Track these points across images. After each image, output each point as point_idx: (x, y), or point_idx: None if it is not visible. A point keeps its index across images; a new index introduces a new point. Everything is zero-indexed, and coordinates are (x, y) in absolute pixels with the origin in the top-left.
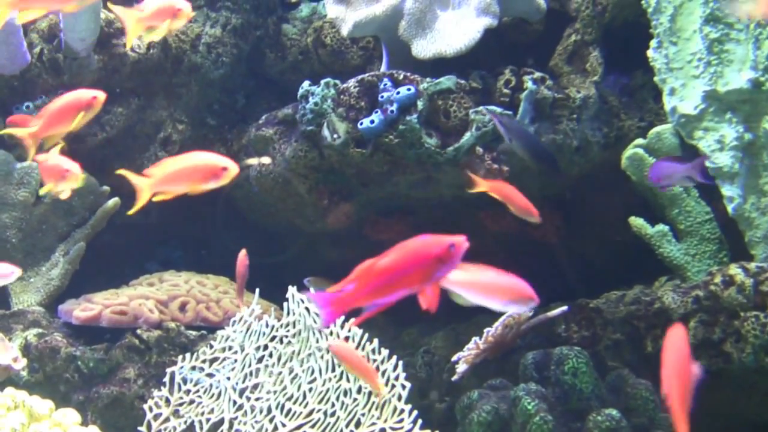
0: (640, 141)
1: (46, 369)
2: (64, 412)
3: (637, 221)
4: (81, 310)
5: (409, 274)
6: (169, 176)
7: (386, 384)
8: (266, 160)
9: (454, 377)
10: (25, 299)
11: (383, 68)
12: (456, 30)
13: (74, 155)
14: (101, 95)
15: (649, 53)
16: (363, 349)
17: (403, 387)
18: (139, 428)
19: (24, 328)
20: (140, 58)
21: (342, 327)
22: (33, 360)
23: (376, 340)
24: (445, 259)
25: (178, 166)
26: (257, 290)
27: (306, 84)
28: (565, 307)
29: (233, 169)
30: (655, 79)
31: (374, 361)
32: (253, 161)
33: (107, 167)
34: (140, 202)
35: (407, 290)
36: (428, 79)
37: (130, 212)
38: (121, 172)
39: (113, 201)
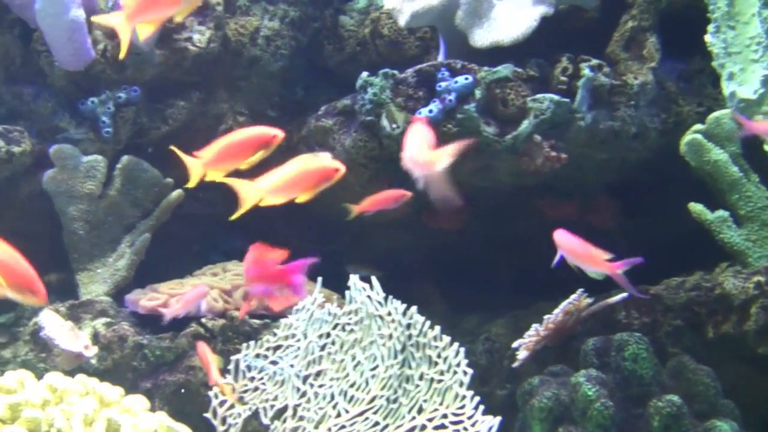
0: (698, 126)
1: (114, 357)
2: (134, 398)
3: (696, 207)
4: (147, 299)
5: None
6: (219, 153)
7: (448, 371)
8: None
9: (515, 364)
10: (93, 289)
11: (440, 58)
12: (512, 19)
13: (138, 149)
14: (281, 134)
15: (707, 38)
16: (425, 336)
17: (465, 373)
18: (205, 414)
19: (92, 317)
20: (200, 52)
21: (404, 314)
22: (102, 348)
23: (437, 327)
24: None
25: (227, 141)
26: (319, 279)
27: (364, 75)
28: (625, 294)
29: (280, 135)
30: (713, 63)
31: (435, 347)
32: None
33: (170, 160)
34: (193, 180)
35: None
36: (485, 68)
37: (188, 185)
38: (173, 149)
39: (177, 193)
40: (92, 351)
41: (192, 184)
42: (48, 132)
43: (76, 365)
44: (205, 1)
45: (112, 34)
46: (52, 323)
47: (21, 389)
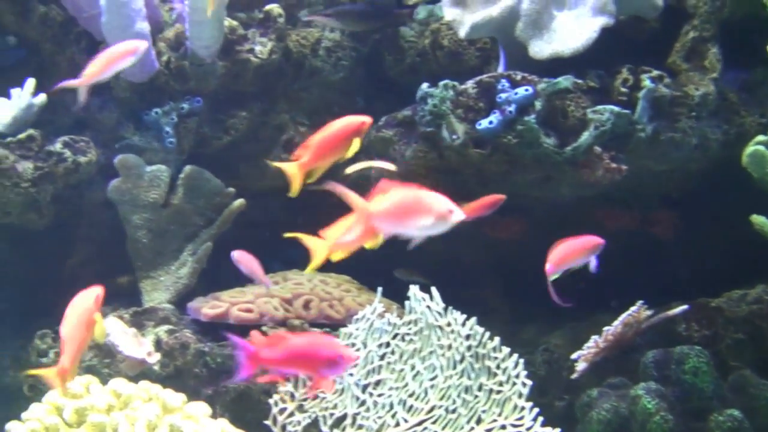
0: (761, 138)
1: (177, 363)
2: (196, 405)
3: (759, 219)
4: (209, 307)
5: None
6: (315, 153)
7: (507, 381)
8: (390, 166)
9: (574, 375)
10: (156, 297)
11: (500, 69)
12: (573, 30)
13: (200, 159)
14: (368, 119)
15: None
16: (484, 346)
17: (524, 384)
18: (265, 422)
19: (155, 324)
20: (262, 64)
21: (463, 325)
22: (164, 355)
23: (497, 338)
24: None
25: (320, 139)
26: (379, 289)
27: (425, 86)
28: (685, 306)
29: (368, 121)
30: None
31: (495, 358)
32: (375, 164)
33: (232, 169)
34: (295, 185)
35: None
36: (546, 80)
37: (290, 194)
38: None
39: (238, 202)
40: (155, 357)
41: (295, 190)
42: (113, 142)
43: (139, 371)
44: (267, 13)
45: (175, 46)
46: (117, 330)
47: (87, 394)
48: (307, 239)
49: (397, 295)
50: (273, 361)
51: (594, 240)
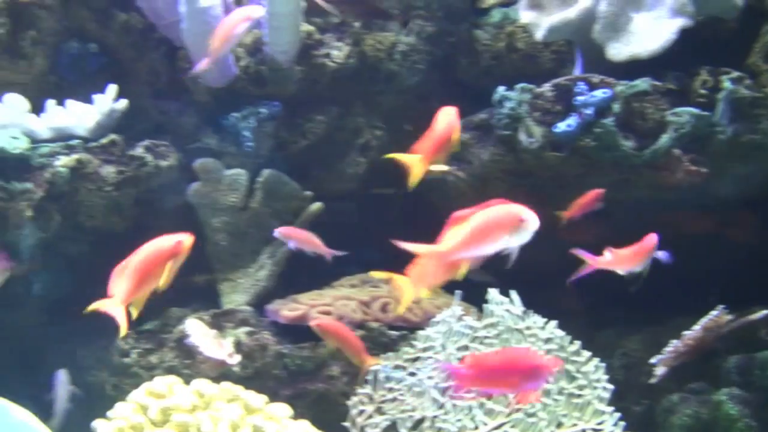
0: None
1: (256, 365)
2: (277, 406)
3: None
4: (288, 309)
5: (506, 379)
6: (435, 144)
7: (588, 386)
8: (445, 168)
9: (653, 380)
10: (234, 299)
11: (577, 71)
12: (650, 31)
13: (277, 162)
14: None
15: None
16: (564, 350)
17: (605, 389)
18: (344, 423)
19: (234, 326)
20: (339, 68)
21: (543, 329)
22: (244, 356)
23: (577, 342)
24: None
25: (436, 132)
26: (458, 292)
27: (501, 89)
28: (767, 311)
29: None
30: None
31: (575, 362)
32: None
33: (309, 173)
34: (416, 176)
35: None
36: (623, 82)
37: (409, 185)
38: (392, 156)
39: (316, 205)
40: (235, 359)
41: (414, 180)
42: (192, 146)
43: (219, 372)
44: (343, 18)
45: (253, 51)
46: (198, 331)
47: (171, 394)
48: (396, 279)
49: (469, 296)
50: (473, 380)
51: (647, 243)
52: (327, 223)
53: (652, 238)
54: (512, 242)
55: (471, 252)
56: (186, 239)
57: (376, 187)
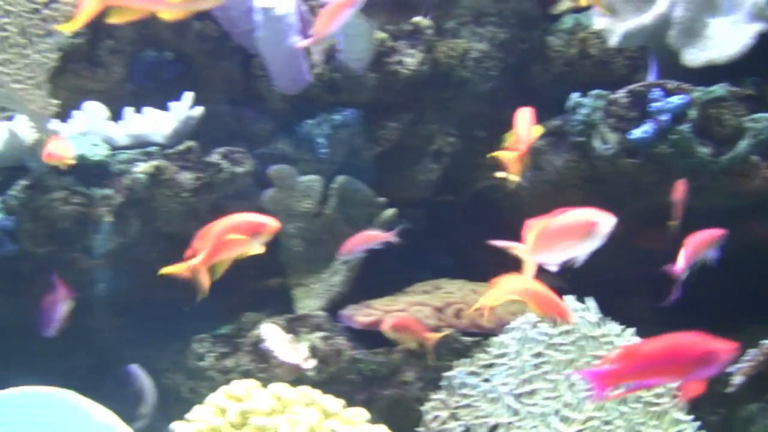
0: None
1: (331, 370)
2: (354, 410)
3: None
4: (363, 315)
5: (672, 367)
6: (528, 144)
7: (665, 394)
8: (514, 177)
9: (730, 389)
10: (308, 304)
11: (651, 77)
12: (727, 37)
13: (352, 169)
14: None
15: None
16: None
17: None
18: (417, 429)
19: (309, 331)
20: (412, 75)
21: (619, 336)
22: (319, 361)
23: None
24: (709, 362)
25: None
26: None
27: (575, 95)
28: None
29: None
30: None
31: None
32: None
33: (382, 180)
34: (514, 176)
35: (668, 379)
36: (700, 88)
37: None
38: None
39: (390, 211)
40: (310, 363)
41: (515, 177)
42: (267, 152)
43: (295, 377)
44: (416, 25)
45: (327, 59)
46: (274, 336)
47: (249, 397)
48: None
49: None
50: (625, 375)
51: (715, 232)
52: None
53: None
54: (588, 245)
55: (553, 255)
56: (273, 222)
57: (440, 195)
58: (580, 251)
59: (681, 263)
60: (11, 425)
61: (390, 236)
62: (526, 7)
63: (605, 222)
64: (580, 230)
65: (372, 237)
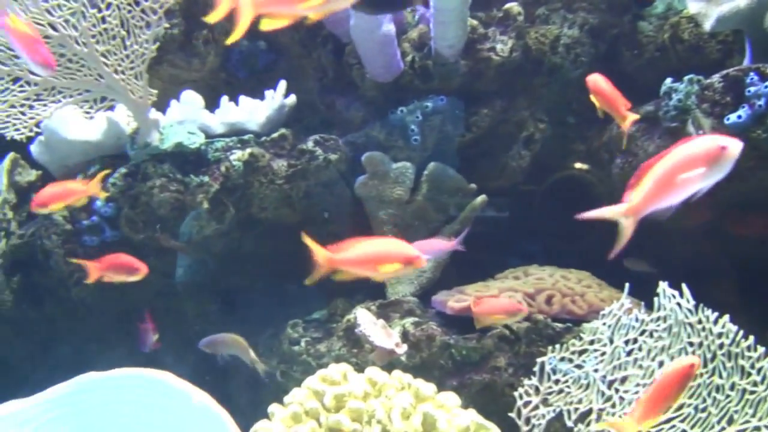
0: None
1: (423, 355)
2: (446, 395)
3: None
4: (455, 301)
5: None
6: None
7: (762, 382)
8: (583, 166)
9: None
10: (399, 290)
11: (746, 62)
12: None
13: (443, 155)
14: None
15: None
16: (738, 345)
17: None
18: (509, 414)
19: (401, 316)
20: (503, 62)
21: (715, 323)
22: (410, 346)
23: (751, 337)
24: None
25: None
26: (627, 285)
27: (668, 81)
28: None
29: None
30: None
31: (749, 358)
32: (578, 166)
33: (474, 166)
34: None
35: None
36: None
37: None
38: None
39: (481, 198)
40: (403, 348)
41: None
42: (360, 140)
43: (387, 361)
44: (507, 12)
45: (419, 46)
46: (368, 321)
47: (344, 382)
48: None
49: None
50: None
51: None
52: (488, 216)
53: None
54: (712, 176)
55: (667, 197)
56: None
57: (523, 184)
58: (705, 183)
59: None
60: (111, 405)
61: (455, 245)
62: None
63: (733, 146)
64: (705, 158)
65: (436, 245)
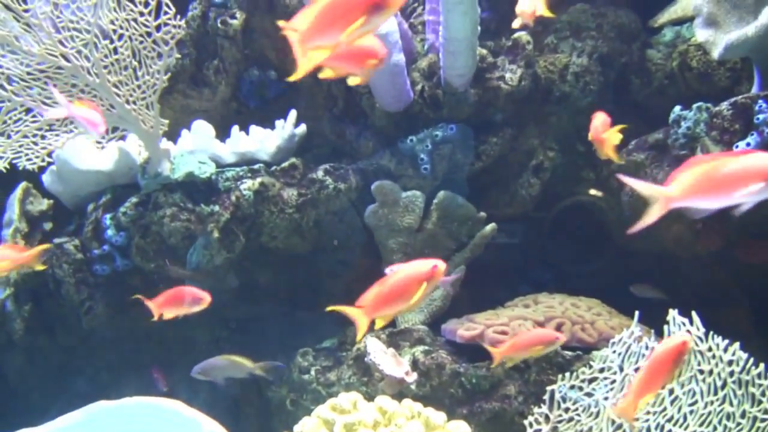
0: None
1: (433, 383)
2: (457, 423)
3: None
4: (465, 329)
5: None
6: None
7: None
8: (597, 192)
9: None
10: (410, 318)
11: (755, 89)
12: None
13: (452, 184)
14: None
15: None
16: (748, 373)
17: None
18: None
19: (410, 345)
20: (512, 90)
21: (726, 350)
22: (420, 375)
23: (762, 365)
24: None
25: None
26: (636, 313)
27: (677, 108)
28: None
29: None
30: None
31: (760, 386)
32: (593, 192)
33: (484, 194)
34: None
35: None
36: None
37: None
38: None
39: (491, 227)
40: (413, 377)
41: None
42: (369, 169)
43: (397, 390)
44: (516, 41)
45: (429, 75)
46: (377, 349)
47: (354, 410)
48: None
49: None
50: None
51: None
52: (499, 244)
53: None
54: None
55: (705, 199)
56: (441, 265)
57: (534, 211)
58: (757, 198)
59: None
60: None
61: (457, 278)
62: (625, 20)
63: None
64: (759, 174)
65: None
